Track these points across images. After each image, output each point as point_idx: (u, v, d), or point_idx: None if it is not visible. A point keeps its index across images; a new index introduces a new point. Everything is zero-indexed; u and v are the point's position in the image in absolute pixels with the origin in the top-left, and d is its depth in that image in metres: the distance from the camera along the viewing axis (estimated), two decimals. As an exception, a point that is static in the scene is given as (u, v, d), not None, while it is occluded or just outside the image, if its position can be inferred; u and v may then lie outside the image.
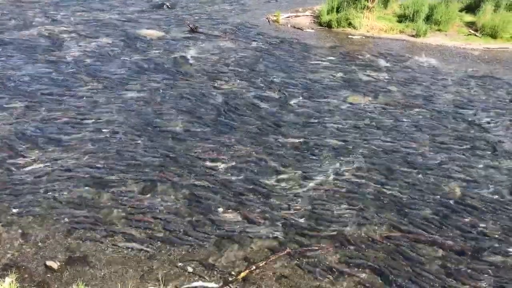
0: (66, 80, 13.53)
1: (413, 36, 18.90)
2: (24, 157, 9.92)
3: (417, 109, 12.91)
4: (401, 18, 20.13)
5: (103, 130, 11.11)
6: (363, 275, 7.49)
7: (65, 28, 17.59)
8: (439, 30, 19.40)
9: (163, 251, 7.76)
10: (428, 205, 9.14)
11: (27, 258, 7.47)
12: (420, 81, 14.84)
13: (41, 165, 9.70)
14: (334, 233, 8.32)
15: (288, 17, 20.54)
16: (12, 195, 8.83)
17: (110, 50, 15.82)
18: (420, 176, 9.97)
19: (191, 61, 15.36)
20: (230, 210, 8.74)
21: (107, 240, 7.92)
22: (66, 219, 8.30)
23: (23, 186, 9.08)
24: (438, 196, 9.38)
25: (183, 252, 7.76)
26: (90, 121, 11.46)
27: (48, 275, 7.18)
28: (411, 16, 19.81)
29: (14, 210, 8.42)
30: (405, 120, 12.32)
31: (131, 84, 13.53)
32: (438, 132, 11.77)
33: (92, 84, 13.35)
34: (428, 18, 19.62)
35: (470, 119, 12.53)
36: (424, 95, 13.83)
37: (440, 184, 9.74)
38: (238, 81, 14.09)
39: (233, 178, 9.64)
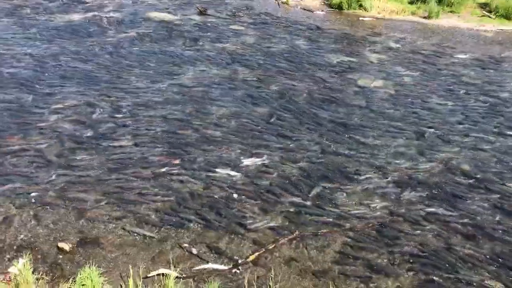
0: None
1: (425, 18, 18.62)
2: (37, 139, 10.03)
3: (428, 91, 12.81)
4: (413, 0, 19.83)
5: (123, 112, 11.15)
6: (373, 259, 7.51)
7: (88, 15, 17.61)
8: (451, 11, 19.08)
9: (173, 234, 7.82)
10: (441, 185, 9.12)
11: (40, 239, 7.57)
12: (431, 63, 14.66)
13: (56, 147, 9.80)
14: (344, 216, 8.33)
15: (298, -2, 20.31)
16: (26, 177, 8.93)
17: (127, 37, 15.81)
18: (437, 156, 9.96)
19: (203, 46, 15.23)
20: (241, 193, 8.77)
21: (118, 223, 8.00)
22: (77, 201, 8.39)
23: (38, 168, 9.18)
24: (453, 175, 9.35)
25: (193, 235, 7.82)
26: (110, 103, 11.52)
27: (60, 257, 7.28)
28: (423, -3, 19.51)
29: (33, 194, 8.50)
30: (415, 102, 12.23)
31: (139, 70, 13.55)
32: (450, 114, 11.69)
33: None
34: (440, 0, 19.30)
35: (488, 100, 12.44)
36: (435, 77, 13.68)
37: (459, 165, 9.75)
38: (250, 64, 14.03)
39: (247, 162, 9.63)
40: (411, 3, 19.72)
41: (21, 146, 9.77)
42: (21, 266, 6.59)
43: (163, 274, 6.90)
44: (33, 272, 6.62)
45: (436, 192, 8.99)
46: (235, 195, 8.74)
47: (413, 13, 18.99)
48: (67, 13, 17.31)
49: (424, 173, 9.50)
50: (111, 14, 17.40)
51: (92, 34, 15.58)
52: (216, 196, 8.69)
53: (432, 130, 11.00)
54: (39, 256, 7.23)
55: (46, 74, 12.84)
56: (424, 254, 7.61)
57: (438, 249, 7.69)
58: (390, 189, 9.04)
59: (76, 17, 17.02)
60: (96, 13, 17.46)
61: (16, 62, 13.35)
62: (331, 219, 8.24)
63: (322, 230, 7.99)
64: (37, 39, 14.93)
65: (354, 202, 8.68)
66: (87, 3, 18.55)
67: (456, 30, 17.73)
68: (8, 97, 11.58)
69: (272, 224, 8.10)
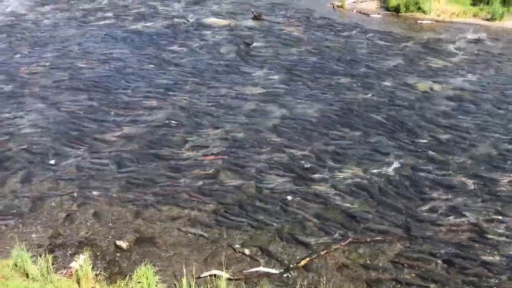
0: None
1: (487, 20, 17.84)
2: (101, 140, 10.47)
3: (494, 97, 12.29)
4: (475, 1, 19.03)
5: (184, 118, 11.43)
6: (426, 267, 7.28)
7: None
8: (517, 13, 18.20)
9: (226, 235, 7.92)
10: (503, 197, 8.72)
11: (99, 237, 7.88)
12: (495, 68, 14.02)
13: (117, 150, 10.19)
14: (398, 223, 8.13)
15: (354, 2, 20.01)
16: (88, 178, 9.32)
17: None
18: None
19: (260, 51, 15.28)
20: (295, 196, 8.75)
21: (173, 223, 8.19)
22: (135, 201, 8.66)
23: (99, 170, 9.57)
24: None
25: (246, 238, 7.88)
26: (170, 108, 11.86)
27: (118, 254, 7.55)
28: (486, -2, 18.70)
29: (94, 193, 8.87)
30: (480, 109, 11.77)
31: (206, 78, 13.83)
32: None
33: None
34: (505, 0, 18.42)
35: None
36: (501, 83, 13.07)
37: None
38: (307, 68, 14.01)
39: (304, 163, 9.64)
40: (473, 4, 18.96)
41: (85, 149, 10.21)
42: (82, 262, 6.88)
43: (215, 275, 7.00)
44: (92, 268, 6.90)
45: (499, 203, 8.62)
46: (289, 197, 8.74)
47: (475, 15, 18.26)
48: (127, 22, 17.91)
49: (487, 184, 9.13)
50: (173, 22, 17.76)
51: (156, 41, 15.98)
52: (269, 199, 8.73)
53: (497, 136, 10.57)
54: (98, 253, 7.52)
55: (115, 80, 13.31)
56: (484, 266, 7.29)
57: (500, 263, 7.36)
58: (453, 198, 8.72)
59: (135, 26, 17.55)
60: (157, 20, 17.92)
61: (88, 67, 14.01)
62: (386, 227, 8.07)
63: (376, 238, 7.83)
64: (107, 44, 15.59)
65: (411, 210, 8.45)
66: (147, 11, 19.12)
67: (522, 32, 16.89)
68: (79, 100, 12.16)
69: (325, 229, 8.03)
